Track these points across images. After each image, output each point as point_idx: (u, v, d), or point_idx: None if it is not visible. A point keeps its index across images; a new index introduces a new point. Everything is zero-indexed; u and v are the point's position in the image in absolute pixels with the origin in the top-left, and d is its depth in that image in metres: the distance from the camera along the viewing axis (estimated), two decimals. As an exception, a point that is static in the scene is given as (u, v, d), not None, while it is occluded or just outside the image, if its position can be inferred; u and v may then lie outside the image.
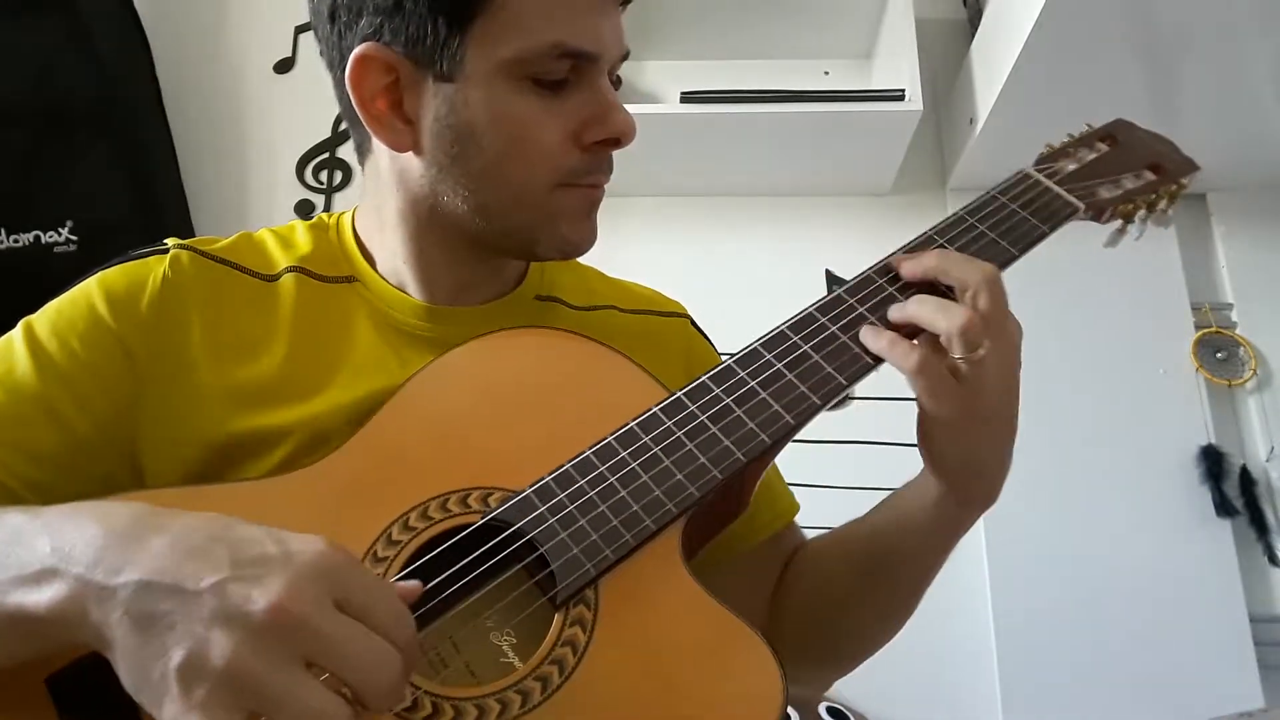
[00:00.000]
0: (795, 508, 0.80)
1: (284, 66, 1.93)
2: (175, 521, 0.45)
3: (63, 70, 1.68)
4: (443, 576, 0.54)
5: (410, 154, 0.65)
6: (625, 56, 0.66)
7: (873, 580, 0.71)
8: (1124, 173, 0.72)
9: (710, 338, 0.84)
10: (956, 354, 0.59)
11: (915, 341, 0.61)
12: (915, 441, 0.64)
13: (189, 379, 0.64)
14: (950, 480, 0.64)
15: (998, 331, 0.59)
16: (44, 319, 0.64)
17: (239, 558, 0.43)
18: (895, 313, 0.63)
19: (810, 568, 0.77)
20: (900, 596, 0.72)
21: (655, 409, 0.61)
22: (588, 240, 0.68)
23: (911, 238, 0.68)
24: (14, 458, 0.60)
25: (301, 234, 0.73)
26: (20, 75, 1.66)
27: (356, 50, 0.61)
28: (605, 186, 0.68)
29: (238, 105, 1.91)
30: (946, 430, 0.61)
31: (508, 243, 0.68)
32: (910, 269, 0.64)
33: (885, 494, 0.76)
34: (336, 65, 0.65)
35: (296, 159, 1.88)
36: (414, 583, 0.49)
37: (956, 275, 0.62)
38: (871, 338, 0.62)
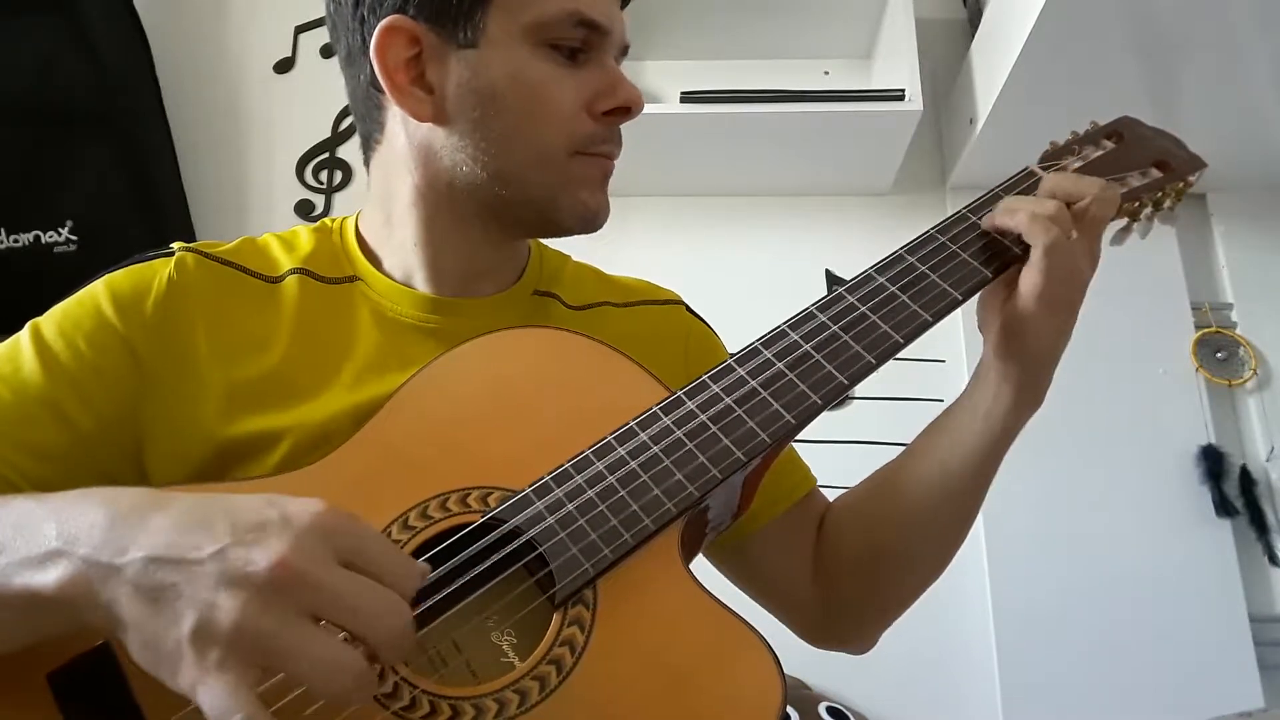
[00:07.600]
0: (814, 479, 0.83)
1: (284, 66, 1.93)
2: (176, 500, 0.46)
3: (63, 70, 1.68)
4: (443, 574, 0.54)
5: (430, 125, 0.66)
6: (625, 50, 0.70)
7: (933, 506, 0.72)
8: (1130, 170, 0.71)
9: (708, 322, 0.85)
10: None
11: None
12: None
13: (193, 380, 0.64)
14: (1017, 375, 0.66)
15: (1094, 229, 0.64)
16: (51, 320, 0.65)
17: (239, 524, 0.44)
18: (1046, 185, 0.66)
19: (858, 513, 0.78)
20: (961, 516, 0.73)
21: (655, 408, 0.61)
22: (604, 210, 0.70)
23: (911, 237, 0.67)
24: (20, 456, 0.60)
25: (305, 237, 0.74)
26: (20, 75, 1.66)
27: (383, 23, 0.64)
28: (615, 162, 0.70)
29: (238, 105, 1.91)
30: (1042, 314, 0.63)
31: (527, 213, 0.69)
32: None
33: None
34: (359, 51, 0.67)
35: (296, 159, 1.88)
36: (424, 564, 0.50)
37: (1074, 190, 0.65)
38: (1005, 217, 0.65)
